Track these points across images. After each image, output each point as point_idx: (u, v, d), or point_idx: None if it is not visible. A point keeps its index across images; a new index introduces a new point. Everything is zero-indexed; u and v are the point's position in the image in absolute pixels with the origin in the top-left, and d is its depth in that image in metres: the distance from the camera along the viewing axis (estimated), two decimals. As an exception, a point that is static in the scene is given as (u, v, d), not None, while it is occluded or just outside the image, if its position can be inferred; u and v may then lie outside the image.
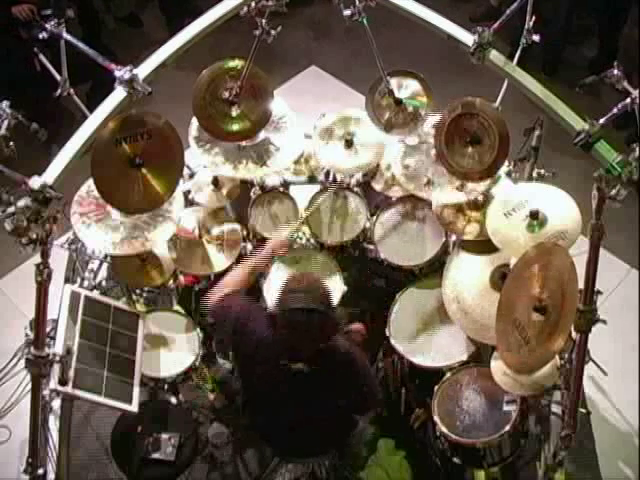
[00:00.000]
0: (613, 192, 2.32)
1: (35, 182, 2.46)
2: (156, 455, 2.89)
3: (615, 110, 2.56)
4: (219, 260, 3.16)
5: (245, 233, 3.26)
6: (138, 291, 3.29)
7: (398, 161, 3.13)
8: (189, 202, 3.25)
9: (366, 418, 3.21)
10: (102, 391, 2.71)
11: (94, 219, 2.93)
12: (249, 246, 3.23)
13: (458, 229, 3.01)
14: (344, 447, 2.97)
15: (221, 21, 2.82)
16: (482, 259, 2.95)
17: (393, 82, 3.02)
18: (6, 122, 2.54)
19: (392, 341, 3.02)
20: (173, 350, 3.08)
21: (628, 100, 2.51)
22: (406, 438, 3.18)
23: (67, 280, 3.38)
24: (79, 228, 2.91)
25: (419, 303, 3.11)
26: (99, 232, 2.91)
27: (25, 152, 2.60)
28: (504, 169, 3.08)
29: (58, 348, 2.63)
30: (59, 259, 3.18)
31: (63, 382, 2.60)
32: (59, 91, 3.06)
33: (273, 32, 2.81)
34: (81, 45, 2.84)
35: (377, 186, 3.30)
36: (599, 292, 2.34)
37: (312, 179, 3.41)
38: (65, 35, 2.86)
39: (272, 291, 3.01)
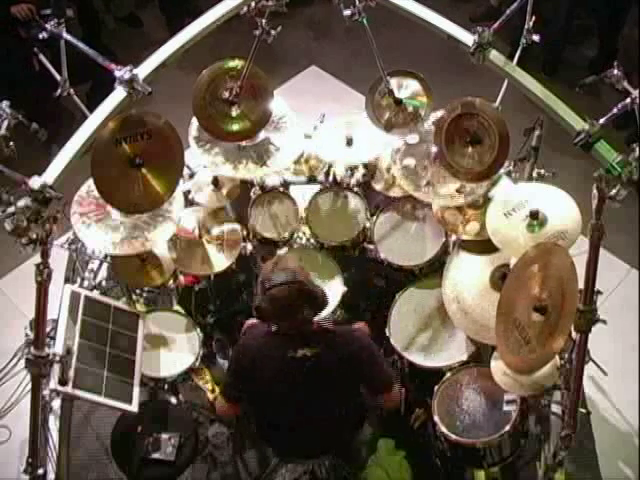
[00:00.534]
0: (613, 192, 2.32)
1: (35, 182, 2.46)
2: (156, 455, 2.89)
3: (615, 110, 2.56)
4: (219, 260, 3.16)
5: (245, 233, 3.26)
6: (138, 291, 3.29)
7: (398, 162, 3.13)
8: (189, 202, 3.25)
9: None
10: (102, 391, 2.71)
11: (94, 219, 2.93)
12: (249, 246, 3.23)
13: (458, 229, 3.02)
14: (346, 447, 2.97)
15: (221, 21, 2.82)
16: (482, 259, 2.95)
17: (393, 82, 3.02)
18: (6, 122, 2.54)
19: (392, 341, 3.02)
20: (173, 350, 3.09)
21: (628, 100, 2.51)
22: (406, 438, 3.18)
23: (67, 280, 3.38)
24: (79, 228, 2.91)
25: (419, 303, 3.11)
26: (99, 232, 2.91)
27: (25, 152, 2.60)
28: (504, 169, 3.08)
29: (58, 348, 2.63)
30: (59, 259, 3.18)
31: (63, 382, 2.60)
32: (59, 91, 3.06)
33: (273, 32, 2.81)
34: (81, 45, 2.84)
35: (377, 186, 3.30)
36: (599, 292, 2.34)
37: (312, 179, 3.41)
38: (65, 35, 2.86)
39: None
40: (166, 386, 3.08)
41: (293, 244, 3.28)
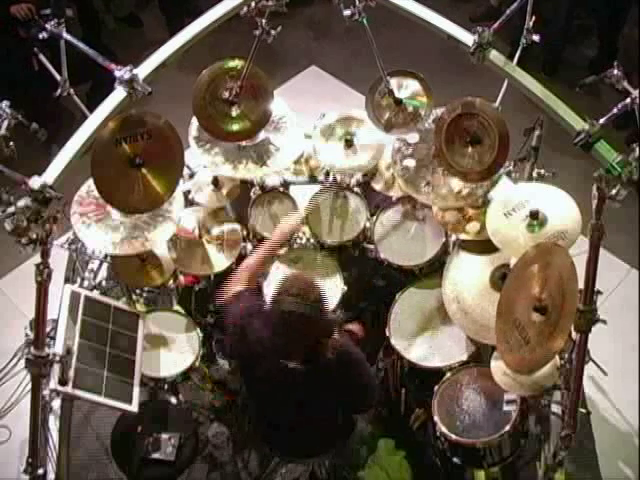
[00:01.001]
0: (613, 192, 2.32)
1: (35, 182, 2.46)
2: (156, 455, 2.89)
3: (615, 110, 2.56)
4: (219, 260, 3.16)
5: (245, 233, 3.26)
6: (138, 291, 3.29)
7: (398, 162, 3.13)
8: (189, 202, 3.25)
9: (366, 418, 3.22)
10: (102, 391, 2.71)
11: (94, 219, 2.93)
12: (249, 246, 3.23)
13: (458, 229, 3.02)
14: (344, 447, 2.97)
15: (221, 21, 2.82)
16: (482, 259, 2.95)
17: (393, 82, 3.02)
18: (6, 122, 2.54)
19: (392, 341, 3.02)
20: (173, 350, 3.08)
21: (628, 100, 2.51)
22: (406, 438, 3.18)
23: (67, 280, 3.38)
24: (79, 228, 2.91)
25: (419, 303, 3.11)
26: (99, 232, 2.91)
27: (25, 152, 2.60)
28: (504, 169, 3.08)
29: (58, 348, 2.62)
30: (59, 259, 3.18)
31: (63, 382, 2.60)
32: (59, 91, 3.06)
33: (273, 32, 2.81)
34: (81, 45, 2.84)
35: (377, 186, 3.30)
36: (599, 292, 2.34)
37: (312, 179, 3.41)
38: (65, 35, 2.86)
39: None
40: (166, 386, 3.08)
41: (293, 244, 3.28)
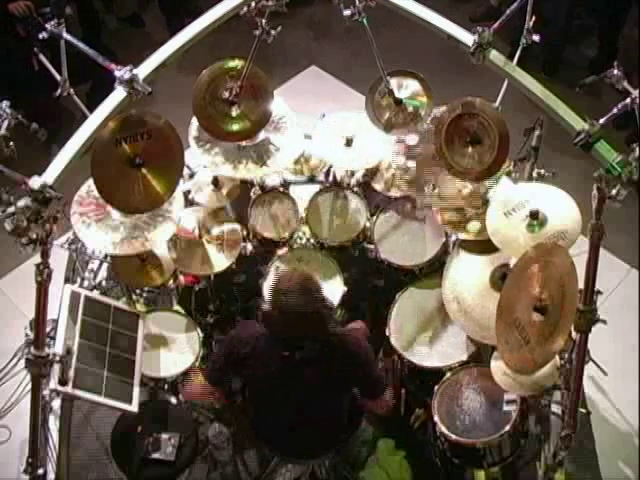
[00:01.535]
0: (613, 192, 2.32)
1: (35, 182, 2.46)
2: (156, 455, 2.89)
3: (615, 110, 2.56)
4: (219, 260, 3.16)
5: (245, 233, 3.26)
6: (138, 291, 3.29)
7: (398, 162, 3.13)
8: (189, 202, 3.25)
9: (366, 418, 3.22)
10: (102, 391, 2.71)
11: (94, 219, 2.93)
12: (249, 246, 3.23)
13: (459, 229, 3.02)
14: (344, 447, 2.97)
15: (221, 21, 2.82)
16: (482, 259, 2.95)
17: (393, 82, 3.02)
18: (6, 122, 2.54)
19: (392, 341, 3.02)
20: (173, 350, 3.08)
21: (628, 100, 2.51)
22: (406, 438, 3.18)
23: (67, 280, 3.39)
24: (79, 228, 2.91)
25: (419, 303, 3.11)
26: (99, 232, 2.91)
27: (25, 152, 2.60)
28: (504, 169, 3.07)
29: (58, 348, 2.62)
30: (59, 259, 3.18)
31: (63, 382, 2.60)
32: (59, 91, 3.06)
33: (273, 32, 2.81)
34: (81, 45, 2.84)
35: (377, 186, 3.30)
36: (599, 292, 2.34)
37: (312, 179, 3.41)
38: (65, 35, 2.86)
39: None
40: (166, 386, 3.08)
41: (293, 244, 3.28)
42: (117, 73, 2.66)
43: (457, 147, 2.85)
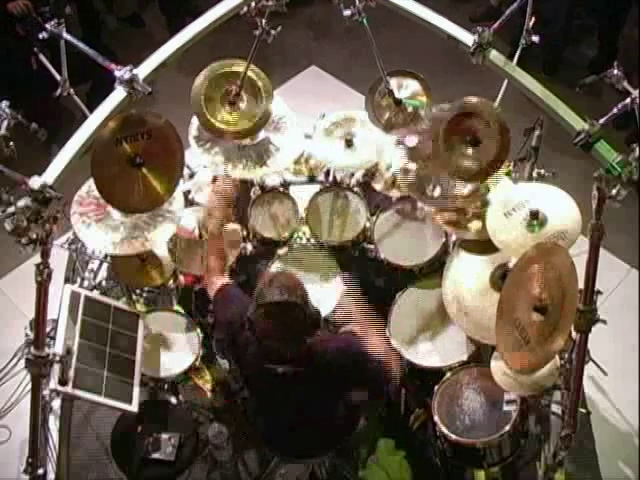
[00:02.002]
0: (613, 192, 2.32)
1: (35, 182, 2.46)
2: (156, 455, 2.89)
3: (615, 110, 2.56)
4: (219, 260, 3.16)
5: (245, 233, 3.26)
6: (138, 291, 3.29)
7: (398, 164, 3.13)
8: (189, 202, 3.25)
9: (366, 419, 3.22)
10: (102, 391, 2.71)
11: (94, 219, 2.93)
12: (249, 246, 3.23)
13: (458, 229, 3.01)
14: (344, 447, 2.97)
15: (221, 21, 2.82)
16: (482, 259, 2.95)
17: (393, 82, 3.01)
18: (6, 122, 2.54)
19: (392, 341, 3.02)
20: (173, 350, 3.09)
21: (628, 100, 2.51)
22: (406, 438, 3.18)
23: (67, 280, 3.39)
24: (79, 228, 2.91)
25: (419, 303, 3.11)
26: (99, 232, 2.91)
27: (25, 152, 2.60)
28: (504, 169, 3.07)
29: (58, 348, 2.63)
30: (59, 259, 3.18)
31: (63, 382, 2.60)
32: (59, 91, 3.06)
33: (273, 32, 2.81)
34: (81, 45, 2.84)
35: (377, 186, 3.30)
36: (599, 292, 2.34)
37: (312, 179, 3.41)
38: (65, 35, 2.86)
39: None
40: (166, 386, 3.08)
41: (293, 244, 3.28)
42: (117, 73, 2.66)
43: (457, 147, 2.84)
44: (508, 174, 3.19)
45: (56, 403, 3.14)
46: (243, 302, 2.57)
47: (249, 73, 2.94)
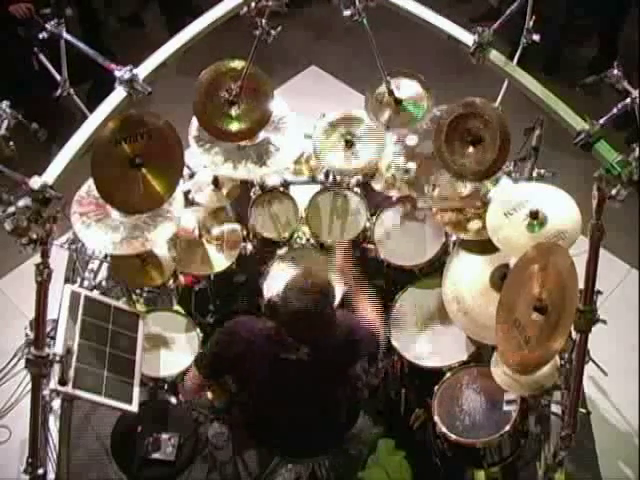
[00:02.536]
0: (613, 192, 2.32)
1: (35, 182, 2.46)
2: (156, 455, 2.89)
3: (615, 110, 2.55)
4: (219, 260, 3.16)
5: (245, 233, 3.26)
6: (138, 291, 3.29)
7: (398, 163, 3.13)
8: (189, 202, 3.25)
9: (366, 418, 3.22)
10: (102, 391, 2.71)
11: (94, 219, 2.93)
12: (249, 246, 3.23)
13: (459, 229, 3.02)
14: (344, 447, 2.97)
15: (221, 21, 2.81)
16: (482, 259, 2.95)
17: (393, 82, 3.01)
18: (6, 122, 2.54)
19: (392, 341, 3.02)
20: (173, 350, 3.09)
21: (628, 100, 2.51)
22: (406, 438, 3.18)
23: (67, 280, 3.38)
24: (79, 228, 2.91)
25: (419, 303, 3.11)
26: (99, 232, 2.91)
27: (25, 152, 2.60)
28: (504, 169, 3.08)
29: (58, 348, 2.63)
30: (59, 259, 3.18)
31: (63, 382, 2.60)
32: (59, 91, 3.06)
33: (273, 32, 2.81)
34: (81, 45, 2.84)
35: (377, 186, 3.30)
36: (599, 292, 2.34)
37: (312, 179, 3.41)
38: (65, 35, 2.87)
39: (272, 289, 3.03)
40: (166, 386, 3.08)
41: (293, 244, 3.28)
42: (117, 73, 2.66)
43: (457, 147, 2.85)
44: (508, 174, 3.19)
45: (56, 403, 3.14)
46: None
47: (249, 73, 2.94)
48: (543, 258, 2.46)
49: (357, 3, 2.78)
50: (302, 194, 3.36)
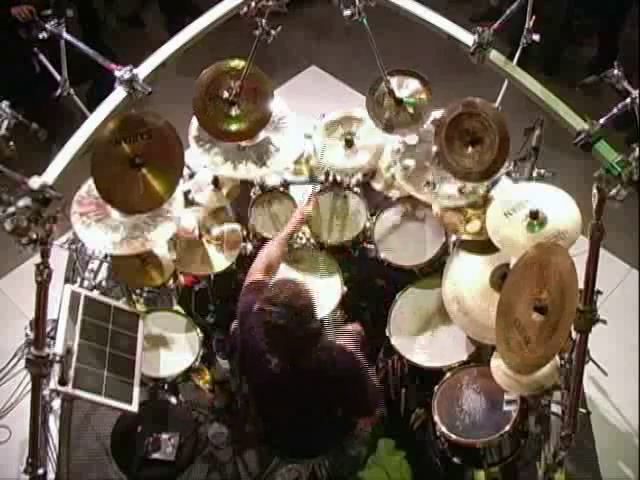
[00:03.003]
0: (613, 192, 2.32)
1: (35, 182, 2.46)
2: (156, 455, 2.90)
3: (615, 110, 2.55)
4: (219, 260, 3.16)
5: (245, 233, 3.26)
6: (138, 291, 3.29)
7: (398, 162, 3.13)
8: (189, 202, 3.25)
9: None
10: (102, 391, 2.72)
11: (94, 219, 2.93)
12: (249, 246, 3.23)
13: (458, 229, 3.02)
14: (344, 447, 2.97)
15: (221, 21, 2.82)
16: (482, 259, 2.95)
17: (393, 82, 3.01)
18: (6, 122, 2.54)
19: (392, 341, 3.02)
20: (173, 350, 3.09)
21: (628, 100, 2.51)
22: (406, 438, 3.18)
23: (67, 280, 3.39)
24: (79, 228, 2.91)
25: (419, 303, 3.11)
26: (99, 232, 2.91)
27: (25, 152, 2.60)
28: (504, 169, 3.07)
29: (58, 348, 2.63)
30: (59, 259, 3.18)
31: (63, 382, 2.61)
32: (59, 91, 3.06)
33: (273, 32, 2.81)
34: (81, 45, 2.84)
35: (377, 186, 3.31)
36: (599, 292, 2.34)
37: (312, 179, 3.41)
38: (65, 35, 2.87)
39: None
40: (166, 386, 3.08)
41: (293, 244, 3.28)
42: (117, 73, 2.66)
43: (457, 147, 2.85)
44: (508, 174, 3.19)
45: (56, 403, 3.14)
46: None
47: (249, 73, 2.94)
48: (543, 258, 2.46)
49: (357, 3, 2.78)
50: (302, 194, 3.36)
